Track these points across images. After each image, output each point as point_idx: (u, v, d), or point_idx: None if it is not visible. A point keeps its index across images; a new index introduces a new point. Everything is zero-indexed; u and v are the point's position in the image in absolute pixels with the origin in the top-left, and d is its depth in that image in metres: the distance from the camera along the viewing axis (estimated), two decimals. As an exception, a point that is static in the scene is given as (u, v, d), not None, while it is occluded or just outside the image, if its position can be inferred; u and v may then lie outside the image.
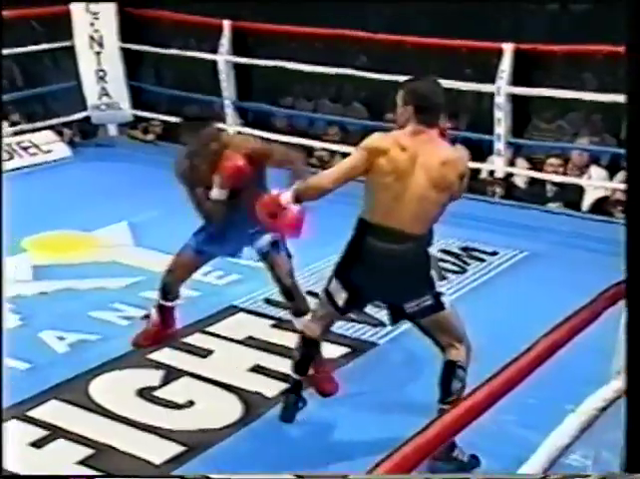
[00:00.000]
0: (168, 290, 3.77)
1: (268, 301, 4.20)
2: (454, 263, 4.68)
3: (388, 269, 2.86)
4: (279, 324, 4.00)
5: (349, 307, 3.05)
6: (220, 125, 6.25)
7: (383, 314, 4.03)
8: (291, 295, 3.61)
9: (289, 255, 3.58)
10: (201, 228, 3.62)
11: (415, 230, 2.83)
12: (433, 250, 4.79)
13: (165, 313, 3.82)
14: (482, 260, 4.71)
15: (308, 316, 3.33)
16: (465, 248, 4.86)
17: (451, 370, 2.91)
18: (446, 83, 5.73)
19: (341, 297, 2.98)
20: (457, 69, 5.86)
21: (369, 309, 4.10)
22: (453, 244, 4.91)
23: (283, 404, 3.18)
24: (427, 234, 2.90)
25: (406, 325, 3.88)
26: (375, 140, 2.85)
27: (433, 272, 2.96)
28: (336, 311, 3.04)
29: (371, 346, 3.83)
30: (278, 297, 4.19)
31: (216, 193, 3.44)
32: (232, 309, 4.12)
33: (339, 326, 3.96)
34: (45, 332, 3.88)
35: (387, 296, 3.01)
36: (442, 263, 4.65)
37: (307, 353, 3.11)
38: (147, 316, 3.91)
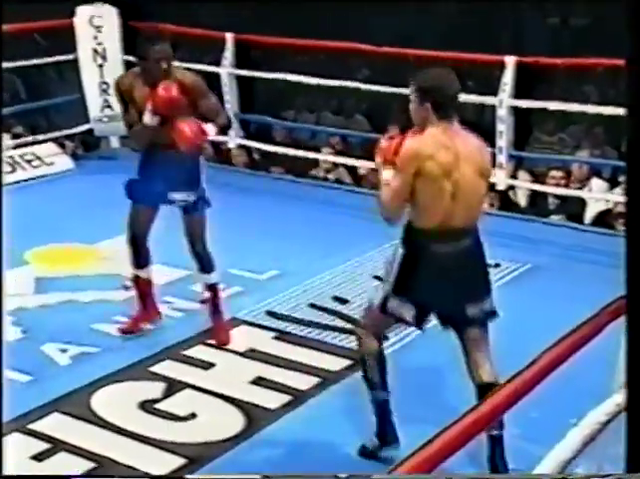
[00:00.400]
0: (137, 254, 3.89)
1: (270, 314, 4.21)
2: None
3: (452, 271, 2.79)
4: (281, 337, 4.00)
5: (419, 322, 2.94)
6: (222, 137, 6.27)
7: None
8: (200, 259, 3.83)
9: (208, 204, 3.75)
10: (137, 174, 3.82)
11: (472, 223, 2.83)
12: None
13: (142, 288, 3.94)
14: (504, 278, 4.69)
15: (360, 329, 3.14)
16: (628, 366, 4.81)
17: (488, 392, 2.47)
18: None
19: (409, 314, 2.88)
20: (459, 81, 5.87)
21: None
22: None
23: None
24: (477, 225, 2.87)
25: (411, 336, 3.92)
26: (416, 148, 2.78)
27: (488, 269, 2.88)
28: (408, 325, 2.99)
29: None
30: (280, 310, 4.23)
31: (148, 118, 3.59)
32: (234, 322, 4.11)
33: (341, 339, 3.97)
34: (47, 345, 3.89)
35: (451, 302, 2.85)
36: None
37: (382, 367, 3.03)
38: (126, 287, 4.06)
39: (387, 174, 2.82)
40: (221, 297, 3.98)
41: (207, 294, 3.94)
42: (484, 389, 2.76)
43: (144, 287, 3.99)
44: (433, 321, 3.06)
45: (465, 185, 2.78)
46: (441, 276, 2.80)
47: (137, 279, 4.00)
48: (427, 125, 2.80)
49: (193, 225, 3.79)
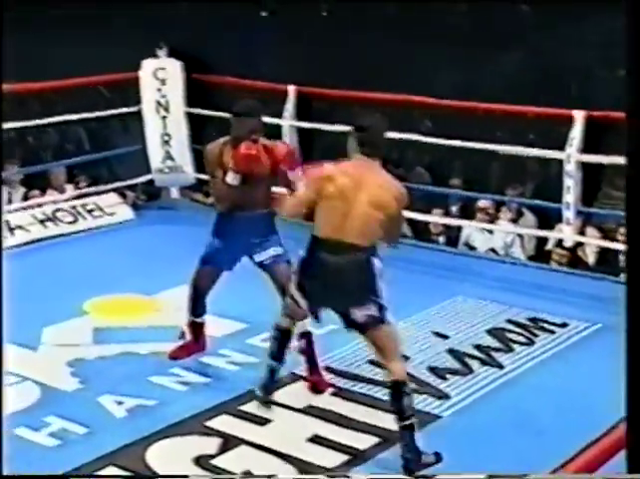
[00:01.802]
0: (196, 306, 4.08)
1: (329, 369, 4.19)
2: (521, 334, 4.60)
3: (337, 277, 3.32)
4: (340, 393, 3.98)
5: (313, 314, 3.54)
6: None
7: (447, 386, 4.02)
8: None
9: (288, 262, 3.84)
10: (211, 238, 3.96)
11: (360, 241, 3.31)
12: (499, 320, 4.78)
13: (196, 329, 4.14)
14: (552, 332, 4.62)
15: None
16: (532, 319, 4.78)
17: (398, 390, 3.33)
18: (511, 149, 5.81)
19: (305, 305, 3.48)
20: (521, 135, 5.87)
21: (432, 380, 4.07)
22: (520, 315, 4.84)
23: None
24: (371, 247, 3.34)
25: (472, 398, 3.86)
26: (323, 171, 3.38)
27: (379, 283, 3.33)
28: (302, 310, 3.52)
29: (433, 419, 3.77)
30: (339, 366, 4.21)
31: (230, 176, 3.76)
32: (293, 377, 4.11)
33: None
34: (104, 397, 3.93)
35: (337, 303, 3.40)
36: (508, 334, 4.59)
37: (282, 343, 3.66)
38: (182, 335, 4.21)
39: (301, 187, 3.51)
40: (314, 344, 4.03)
41: (300, 343, 3.98)
42: (392, 387, 3.35)
43: (198, 329, 4.19)
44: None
45: (357, 209, 3.31)
46: (326, 280, 3.35)
47: (192, 323, 4.19)
48: (351, 156, 3.37)
49: (283, 273, 3.87)
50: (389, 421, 3.70)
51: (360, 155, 3.34)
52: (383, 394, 3.94)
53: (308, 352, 4.01)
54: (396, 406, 3.35)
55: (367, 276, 3.32)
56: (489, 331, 4.63)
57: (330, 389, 4.01)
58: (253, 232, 3.91)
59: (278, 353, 3.67)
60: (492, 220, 6.15)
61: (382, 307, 3.34)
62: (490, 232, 6.17)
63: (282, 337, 3.66)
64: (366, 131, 3.35)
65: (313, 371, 4.03)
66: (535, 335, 4.59)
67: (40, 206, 6.62)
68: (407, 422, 3.33)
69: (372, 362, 4.25)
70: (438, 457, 3.33)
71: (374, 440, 3.60)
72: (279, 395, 3.93)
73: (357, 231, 3.31)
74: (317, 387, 4.01)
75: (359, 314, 3.35)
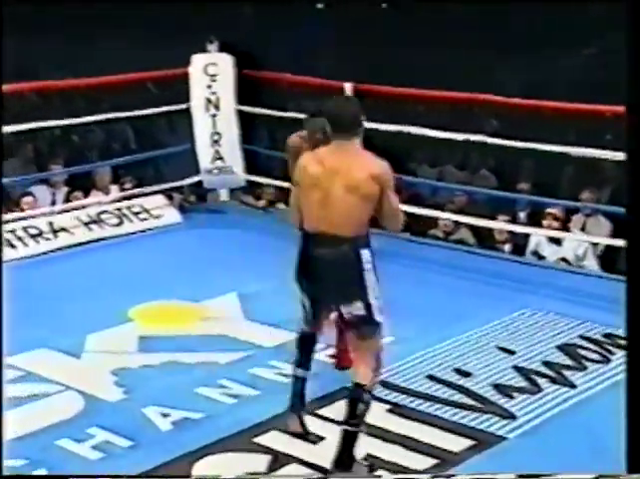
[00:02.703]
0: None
1: (384, 384, 4.15)
2: (595, 352, 4.52)
3: (323, 271, 3.34)
4: (396, 410, 3.97)
5: (314, 312, 3.53)
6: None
7: (513, 405, 3.97)
8: None
9: None
10: None
11: (342, 232, 3.30)
12: (571, 336, 4.71)
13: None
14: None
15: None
16: (608, 335, 4.69)
17: (358, 393, 3.35)
18: (585, 152, 5.73)
19: (307, 303, 3.51)
20: (597, 135, 5.78)
21: (497, 399, 4.03)
22: (594, 330, 4.77)
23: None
24: (357, 237, 3.32)
25: (538, 420, 3.81)
26: (299, 162, 3.46)
27: (368, 278, 3.31)
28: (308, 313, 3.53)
29: (498, 440, 3.73)
30: (395, 380, 4.19)
31: None
32: (345, 392, 4.03)
33: (463, 416, 3.89)
34: (149, 408, 3.96)
35: (329, 299, 3.42)
36: (581, 351, 4.52)
37: (304, 349, 3.66)
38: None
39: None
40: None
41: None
42: (353, 389, 3.37)
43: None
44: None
45: (333, 197, 3.30)
46: (315, 275, 3.36)
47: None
48: (329, 142, 3.43)
49: None
50: (447, 441, 3.68)
51: (335, 138, 3.36)
52: (442, 412, 3.93)
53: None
54: (348, 410, 3.36)
55: (353, 271, 3.30)
56: (560, 347, 4.57)
57: (385, 406, 3.99)
58: None
59: (302, 360, 3.65)
60: (563, 227, 6.06)
61: (370, 305, 3.32)
62: (559, 243, 6.09)
63: (303, 343, 3.64)
64: (328, 113, 3.40)
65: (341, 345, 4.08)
66: (611, 353, 4.50)
67: (84, 207, 6.73)
68: (351, 429, 3.35)
69: (431, 377, 4.23)
70: (372, 468, 3.42)
71: (430, 461, 3.57)
72: (332, 411, 3.93)
73: (337, 220, 3.29)
74: (341, 363, 4.08)
75: (345, 311, 3.35)
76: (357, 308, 3.32)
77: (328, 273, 3.33)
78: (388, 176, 3.33)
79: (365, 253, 3.32)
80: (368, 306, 3.33)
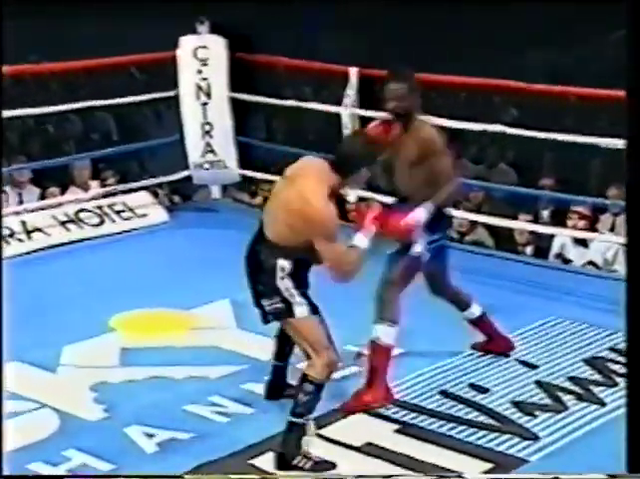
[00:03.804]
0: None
1: (392, 401, 4.17)
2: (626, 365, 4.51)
3: (255, 266, 3.80)
4: (405, 430, 3.97)
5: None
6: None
7: (536, 424, 3.97)
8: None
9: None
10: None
11: (274, 238, 3.73)
12: (600, 348, 4.69)
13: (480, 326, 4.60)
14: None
15: None
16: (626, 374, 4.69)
17: (300, 382, 3.72)
18: (616, 143, 5.72)
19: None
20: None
21: (517, 417, 4.02)
22: (625, 342, 4.75)
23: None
24: (285, 247, 3.69)
25: (563, 441, 3.81)
26: None
27: (281, 284, 3.71)
28: None
29: (519, 463, 3.73)
30: (405, 397, 4.19)
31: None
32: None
33: (480, 436, 3.89)
34: (132, 428, 3.95)
35: (255, 293, 3.84)
36: (611, 365, 4.52)
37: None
38: (358, 356, 4.43)
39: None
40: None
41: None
42: (300, 378, 3.74)
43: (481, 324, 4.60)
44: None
45: (274, 208, 3.80)
46: (251, 268, 3.84)
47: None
48: None
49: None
50: (462, 464, 3.68)
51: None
52: (457, 432, 3.93)
53: (483, 327, 4.57)
54: (295, 399, 3.72)
55: (267, 275, 3.74)
56: (588, 361, 4.57)
57: (393, 425, 3.99)
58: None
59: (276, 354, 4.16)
60: (590, 228, 6.06)
61: (288, 302, 3.71)
62: (585, 244, 6.08)
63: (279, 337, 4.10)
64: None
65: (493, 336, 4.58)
66: (644, 366, 4.50)
67: (61, 205, 6.72)
68: (295, 419, 3.69)
69: (444, 393, 4.22)
70: (327, 465, 3.68)
71: (444, 486, 3.58)
72: (333, 431, 3.94)
73: (271, 227, 3.77)
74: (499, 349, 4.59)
75: (266, 304, 3.77)
76: (275, 303, 3.73)
77: (257, 269, 3.80)
78: (320, 223, 3.61)
79: (281, 262, 3.70)
80: (287, 303, 3.72)
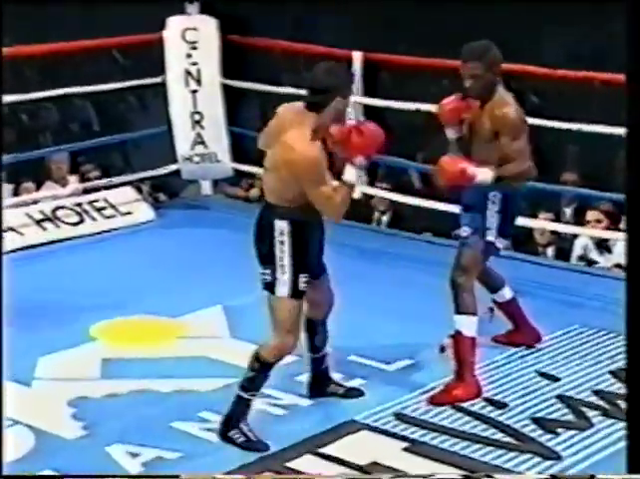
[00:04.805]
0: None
1: (400, 417, 4.18)
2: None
3: (255, 231, 3.97)
4: (414, 448, 3.96)
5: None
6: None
7: (558, 443, 3.97)
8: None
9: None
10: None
11: (271, 199, 3.89)
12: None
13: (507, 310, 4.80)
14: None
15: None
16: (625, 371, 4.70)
17: (252, 362, 3.98)
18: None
19: None
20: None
21: (538, 435, 4.03)
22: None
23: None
24: (282, 207, 3.84)
25: (588, 462, 3.81)
26: None
27: (278, 250, 3.85)
28: None
29: (541, 485, 3.74)
30: (414, 412, 4.19)
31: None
32: (352, 426, 4.11)
33: (496, 455, 3.89)
34: (114, 446, 3.95)
35: (258, 260, 3.99)
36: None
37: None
38: (443, 349, 4.56)
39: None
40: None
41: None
42: (253, 355, 4.00)
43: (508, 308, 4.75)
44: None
45: (266, 164, 3.91)
46: (254, 240, 3.99)
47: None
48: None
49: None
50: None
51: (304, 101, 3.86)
52: (471, 451, 3.93)
53: (511, 312, 4.71)
54: (245, 375, 3.98)
55: (267, 238, 3.89)
56: (615, 373, 4.56)
57: (401, 443, 3.99)
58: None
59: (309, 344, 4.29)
60: (613, 227, 6.05)
61: (274, 276, 3.88)
62: (608, 248, 6.08)
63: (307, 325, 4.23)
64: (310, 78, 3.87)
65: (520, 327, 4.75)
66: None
67: (36, 202, 6.72)
68: (240, 393, 3.97)
69: (457, 408, 4.23)
70: (261, 445, 3.94)
71: (453, 510, 3.59)
72: (336, 449, 3.95)
73: (266, 186, 3.94)
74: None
75: (261, 271, 3.95)
76: (266, 274, 3.91)
77: (257, 235, 3.96)
78: (304, 167, 3.72)
79: (279, 224, 3.84)
80: (274, 278, 3.89)
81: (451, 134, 4.39)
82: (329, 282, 4.17)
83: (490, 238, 4.36)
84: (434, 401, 4.29)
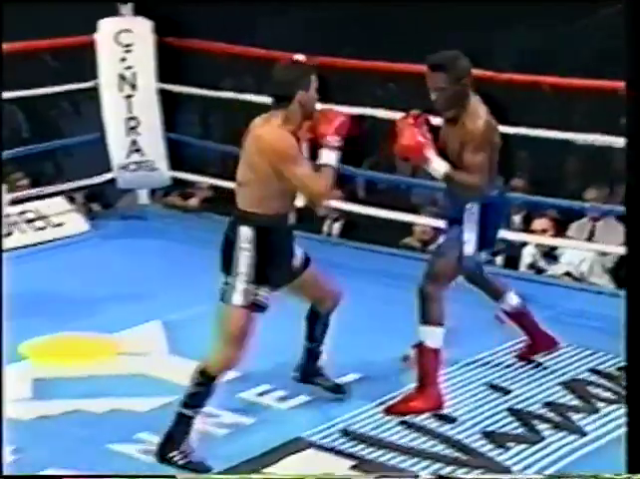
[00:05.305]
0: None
1: (347, 434, 4.19)
2: (609, 389, 4.58)
3: (223, 241, 4.01)
4: (362, 466, 3.97)
5: None
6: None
7: (509, 458, 3.99)
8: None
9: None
10: None
11: (241, 204, 3.94)
12: (580, 370, 4.74)
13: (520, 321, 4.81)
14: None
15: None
16: (623, 368, 4.75)
17: (197, 377, 3.97)
18: (595, 139, 5.79)
19: None
20: (609, 119, 5.87)
21: (488, 449, 4.06)
22: (607, 363, 4.84)
23: None
24: (249, 212, 3.90)
25: (541, 474, 3.85)
26: None
27: (237, 257, 3.90)
28: None
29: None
30: (361, 428, 4.20)
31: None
32: (298, 444, 4.12)
33: (445, 472, 3.91)
34: (47, 471, 3.89)
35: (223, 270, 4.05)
36: (592, 389, 4.58)
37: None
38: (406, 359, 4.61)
39: None
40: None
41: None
42: (199, 371, 4.00)
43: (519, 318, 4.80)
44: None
45: (240, 166, 3.96)
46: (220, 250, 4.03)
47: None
48: None
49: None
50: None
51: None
52: (420, 468, 3.95)
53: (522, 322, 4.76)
54: (187, 390, 3.98)
55: (231, 245, 3.94)
56: (566, 385, 4.62)
57: (349, 462, 4.00)
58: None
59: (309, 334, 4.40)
60: (559, 234, 6.13)
61: (232, 284, 3.92)
62: (554, 257, 6.15)
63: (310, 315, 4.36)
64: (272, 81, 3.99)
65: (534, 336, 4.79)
66: (628, 390, 4.57)
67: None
68: (185, 411, 3.95)
69: (405, 424, 4.25)
70: (203, 467, 3.91)
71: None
72: (281, 468, 3.94)
73: (238, 193, 3.97)
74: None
75: (223, 280, 3.98)
76: (225, 282, 3.95)
77: (222, 243, 4.00)
78: (278, 150, 3.82)
79: (244, 230, 3.90)
80: (231, 285, 3.92)
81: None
82: (327, 277, 4.29)
83: (469, 250, 4.37)
84: (391, 411, 4.33)
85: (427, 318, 4.35)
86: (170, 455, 3.93)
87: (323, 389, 4.42)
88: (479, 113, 4.27)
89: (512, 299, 4.73)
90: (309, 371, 4.43)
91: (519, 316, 4.77)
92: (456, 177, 4.24)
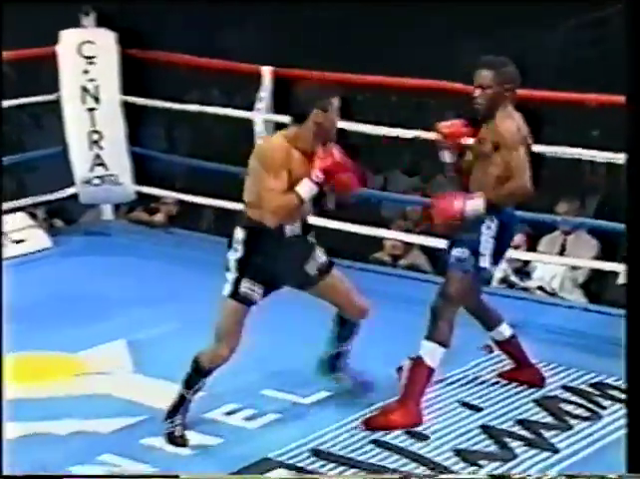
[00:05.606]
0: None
1: (317, 453, 4.20)
2: (581, 406, 4.61)
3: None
4: (333, 487, 3.99)
5: None
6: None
7: (481, 476, 3.99)
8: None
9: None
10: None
11: (246, 209, 4.20)
12: (552, 386, 4.77)
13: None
14: (623, 401, 4.63)
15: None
16: (597, 385, 4.79)
17: (192, 366, 4.25)
18: (565, 151, 5.84)
19: None
20: (579, 131, 5.94)
21: (460, 468, 4.08)
22: (580, 379, 4.87)
23: None
24: (244, 216, 4.17)
25: None
26: None
27: (230, 253, 4.16)
28: None
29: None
30: (332, 448, 4.21)
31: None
32: (267, 464, 4.11)
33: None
34: (3, 499, 3.90)
35: None
36: (564, 405, 4.60)
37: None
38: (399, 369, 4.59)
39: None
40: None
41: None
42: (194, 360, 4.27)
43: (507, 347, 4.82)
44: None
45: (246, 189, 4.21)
46: None
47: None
48: None
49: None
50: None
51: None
52: (392, 488, 3.96)
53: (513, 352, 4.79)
54: (185, 377, 4.26)
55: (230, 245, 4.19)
56: (538, 402, 4.65)
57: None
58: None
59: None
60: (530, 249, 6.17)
61: (227, 280, 4.17)
62: (526, 273, 6.18)
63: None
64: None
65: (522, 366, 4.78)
66: (602, 407, 4.59)
67: None
68: (184, 393, 4.25)
69: (376, 443, 4.26)
70: (183, 442, 4.25)
71: None
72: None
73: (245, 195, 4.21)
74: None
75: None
76: (228, 279, 4.19)
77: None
78: (259, 155, 4.08)
79: (237, 232, 4.15)
80: (225, 280, 4.17)
81: (446, 157, 4.51)
82: (353, 289, 4.45)
83: (484, 264, 4.39)
84: (369, 424, 4.36)
85: (433, 336, 4.40)
86: (167, 421, 4.27)
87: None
88: (512, 115, 4.37)
89: (506, 331, 4.76)
90: (330, 367, 4.60)
91: (510, 347, 4.79)
92: (498, 198, 4.30)
